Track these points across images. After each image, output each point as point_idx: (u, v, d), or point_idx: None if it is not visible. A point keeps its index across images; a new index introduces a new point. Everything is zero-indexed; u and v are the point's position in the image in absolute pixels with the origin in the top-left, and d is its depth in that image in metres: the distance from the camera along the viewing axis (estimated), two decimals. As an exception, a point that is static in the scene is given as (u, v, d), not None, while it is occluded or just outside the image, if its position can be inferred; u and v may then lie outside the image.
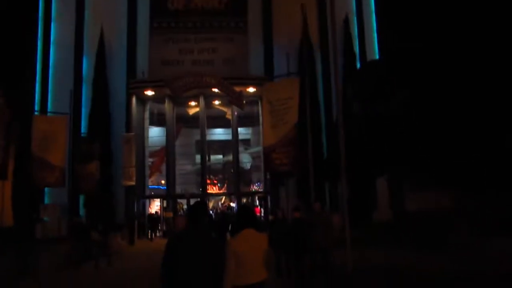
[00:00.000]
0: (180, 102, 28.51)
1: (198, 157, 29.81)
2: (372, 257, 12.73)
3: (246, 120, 29.95)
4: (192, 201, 28.50)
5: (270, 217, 10.74)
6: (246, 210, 4.53)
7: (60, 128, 14.86)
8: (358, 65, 28.61)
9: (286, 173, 11.99)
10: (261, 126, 29.00)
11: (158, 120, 29.57)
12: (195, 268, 3.53)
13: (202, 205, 4.15)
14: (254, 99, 28.74)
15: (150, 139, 29.45)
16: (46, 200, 27.12)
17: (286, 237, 9.51)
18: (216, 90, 25.94)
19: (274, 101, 11.98)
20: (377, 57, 30.83)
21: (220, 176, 32.29)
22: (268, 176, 26.13)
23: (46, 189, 27.10)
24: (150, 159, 29.77)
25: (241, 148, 29.86)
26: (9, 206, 28.30)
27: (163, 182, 29.12)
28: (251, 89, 26.67)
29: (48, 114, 23.56)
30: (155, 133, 30.06)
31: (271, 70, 27.23)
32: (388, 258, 12.42)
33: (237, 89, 25.65)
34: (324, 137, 27.25)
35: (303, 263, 9.23)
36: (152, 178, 30.02)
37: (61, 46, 29.13)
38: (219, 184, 31.22)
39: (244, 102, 26.00)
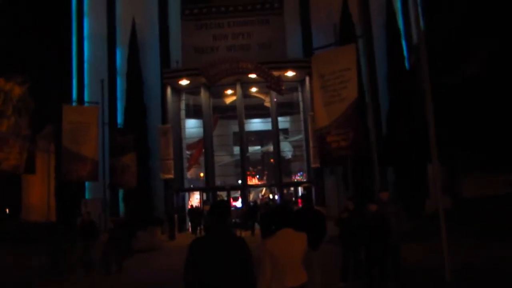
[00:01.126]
0: (216, 91, 26.98)
1: (236, 148, 28.29)
2: (453, 253, 10.70)
3: (285, 108, 28.05)
4: (232, 193, 27.12)
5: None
6: (282, 209, 4.18)
7: (92, 119, 13.54)
8: (403, 41, 26.14)
9: (342, 159, 10.04)
10: (301, 113, 27.13)
11: (194, 111, 28.17)
12: (221, 272, 3.28)
13: (224, 204, 3.83)
14: (293, 85, 26.81)
15: (187, 131, 28.10)
16: (87, 195, 26.44)
17: (363, 234, 7.78)
18: (253, 76, 24.21)
19: (327, 74, 10.02)
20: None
21: (259, 167, 30.66)
22: (312, 165, 24.18)
23: (86, 184, 26.42)
24: (188, 152, 28.46)
25: (280, 138, 28.01)
26: (53, 201, 27.96)
27: (202, 174, 27.74)
28: (290, 73, 24.75)
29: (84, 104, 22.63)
30: (191, 125, 28.72)
31: (310, 53, 25.10)
32: (473, 254, 10.29)
33: (276, 73, 23.82)
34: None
35: (382, 265, 7.52)
36: (191, 171, 28.74)
37: (95, 39, 28.19)
38: (257, 176, 29.56)
39: (283, 87, 24.14)
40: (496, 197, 19.47)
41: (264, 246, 3.65)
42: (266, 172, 29.83)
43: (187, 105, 28.16)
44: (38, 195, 29.05)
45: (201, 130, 26.77)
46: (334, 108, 9.77)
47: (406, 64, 25.64)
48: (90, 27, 28.65)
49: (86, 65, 28.23)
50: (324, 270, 8.43)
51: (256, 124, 30.67)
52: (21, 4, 31.62)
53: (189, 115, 28.30)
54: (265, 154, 31.10)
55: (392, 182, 25.20)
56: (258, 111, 28.57)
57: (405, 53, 25.96)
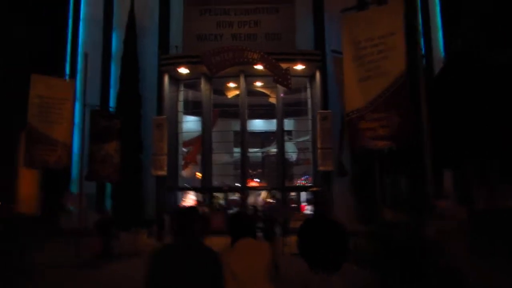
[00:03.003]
0: (218, 83, 24.34)
1: (236, 148, 25.70)
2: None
3: (291, 107, 25.33)
4: (230, 195, 24.51)
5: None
6: (239, 216, 3.57)
7: (66, 95, 10.89)
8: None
9: (379, 152, 7.46)
10: (309, 112, 24.48)
11: (193, 105, 25.48)
12: None
13: (192, 211, 3.13)
14: (300, 82, 24.10)
15: (184, 126, 25.38)
16: (74, 189, 23.74)
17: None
18: (259, 67, 21.57)
19: (363, 41, 7.40)
20: (441, 38, 25.74)
21: (259, 170, 27.91)
22: (319, 168, 21.52)
23: (73, 175, 23.82)
24: (184, 149, 25.71)
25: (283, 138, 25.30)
26: (37, 193, 25.34)
27: (199, 175, 25.02)
28: (300, 67, 22.13)
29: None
30: (190, 121, 26.03)
31: (322, 46, 22.57)
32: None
33: (284, 65, 21.24)
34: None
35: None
36: (186, 170, 25.99)
37: (91, 22, 25.57)
38: (256, 179, 26.74)
39: (290, 83, 21.51)
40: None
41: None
42: (266, 175, 27.17)
43: (185, 100, 25.47)
44: (29, 186, 26.39)
45: (199, 125, 24.14)
46: (372, 86, 7.16)
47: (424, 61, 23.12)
48: (86, 10, 26.07)
49: (80, 50, 25.60)
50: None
51: (258, 123, 27.91)
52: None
53: (187, 111, 25.58)
54: (266, 156, 28.49)
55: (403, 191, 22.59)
56: (262, 108, 25.78)
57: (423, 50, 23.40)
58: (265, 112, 25.81)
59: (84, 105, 12.95)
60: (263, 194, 27.60)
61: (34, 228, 22.46)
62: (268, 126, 26.72)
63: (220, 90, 25.20)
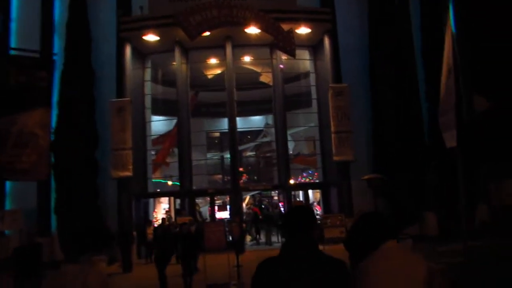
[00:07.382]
0: (197, 57, 18.51)
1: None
2: None
3: (291, 87, 19.71)
4: (218, 200, 18.72)
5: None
6: (372, 214, 2.43)
7: None
8: None
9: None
10: (314, 90, 19.04)
11: (163, 88, 19.46)
12: None
13: (307, 211, 2.29)
14: (300, 55, 18.62)
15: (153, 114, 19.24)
16: (7, 204, 16.98)
17: None
18: (252, 30, 15.95)
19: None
20: None
21: (249, 167, 22.22)
22: (334, 158, 16.06)
23: (7, 187, 17.25)
24: (152, 152, 19.45)
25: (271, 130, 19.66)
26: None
27: (170, 183, 18.99)
28: (304, 30, 16.61)
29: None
30: (159, 108, 19.91)
31: (330, 4, 17.28)
32: None
33: (284, 27, 15.80)
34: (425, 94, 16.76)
35: None
36: (156, 173, 19.78)
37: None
38: (247, 179, 20.97)
39: (295, 49, 16.12)
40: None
41: (360, 272, 2.12)
42: (255, 173, 21.56)
43: (153, 80, 19.31)
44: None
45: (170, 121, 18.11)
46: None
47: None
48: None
49: (13, 25, 18.95)
50: None
51: (247, 113, 21.91)
52: None
53: (156, 95, 19.40)
54: (257, 150, 22.88)
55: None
56: (249, 106, 20.21)
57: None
58: (256, 96, 20.20)
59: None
60: (247, 199, 21.67)
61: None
62: (253, 124, 21.44)
63: (199, 67, 19.34)
